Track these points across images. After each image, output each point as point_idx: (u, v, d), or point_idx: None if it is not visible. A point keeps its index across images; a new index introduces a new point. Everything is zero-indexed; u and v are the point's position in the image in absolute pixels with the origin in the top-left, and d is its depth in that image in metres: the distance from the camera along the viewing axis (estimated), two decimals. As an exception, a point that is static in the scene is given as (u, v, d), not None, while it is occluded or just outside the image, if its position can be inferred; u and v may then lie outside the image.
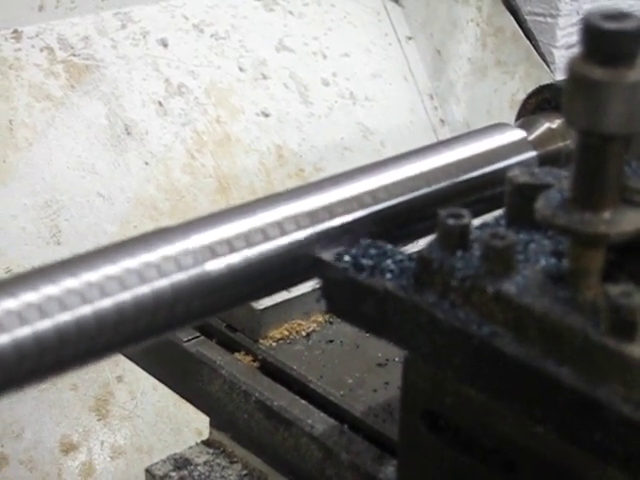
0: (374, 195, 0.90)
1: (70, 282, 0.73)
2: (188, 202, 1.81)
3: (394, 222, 0.92)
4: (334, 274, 0.79)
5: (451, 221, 0.74)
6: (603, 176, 0.69)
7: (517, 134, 1.03)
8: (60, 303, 0.72)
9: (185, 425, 1.71)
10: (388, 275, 0.77)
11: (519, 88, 1.92)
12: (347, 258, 0.79)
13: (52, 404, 1.65)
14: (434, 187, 0.94)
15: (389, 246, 0.81)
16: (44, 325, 0.71)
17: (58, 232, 1.69)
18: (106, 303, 0.73)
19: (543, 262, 0.73)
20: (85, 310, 0.72)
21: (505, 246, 0.72)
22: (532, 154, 1.02)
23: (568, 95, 0.68)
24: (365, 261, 0.78)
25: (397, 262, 0.78)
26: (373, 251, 0.80)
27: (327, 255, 0.80)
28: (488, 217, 0.82)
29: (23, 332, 0.70)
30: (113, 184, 1.76)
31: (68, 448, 1.65)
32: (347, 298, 0.79)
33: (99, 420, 1.68)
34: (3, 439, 1.60)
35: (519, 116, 1.15)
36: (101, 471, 1.68)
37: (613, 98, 0.66)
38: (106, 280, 0.74)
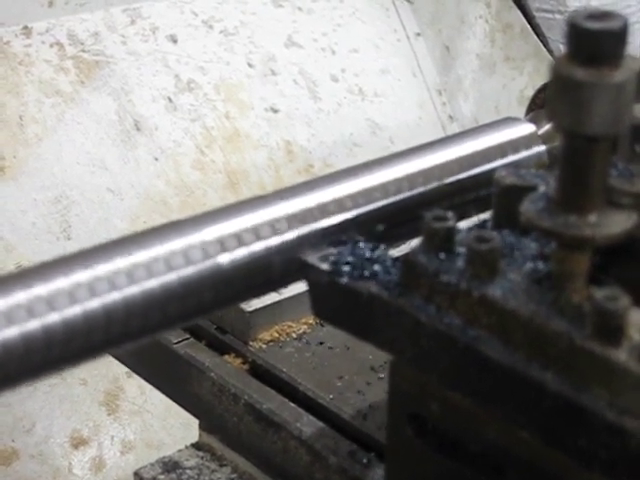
0: (373, 193, 0.89)
1: (80, 275, 0.73)
2: (198, 198, 1.81)
3: (395, 221, 0.91)
4: (319, 277, 0.78)
5: (436, 223, 0.73)
6: (588, 178, 0.68)
7: (527, 128, 1.02)
8: (70, 296, 0.72)
9: (195, 420, 1.71)
10: (373, 278, 0.76)
11: (527, 84, 1.91)
12: (332, 260, 0.79)
13: (62, 399, 1.66)
14: (440, 183, 0.93)
15: (375, 248, 0.80)
16: (52, 318, 0.71)
17: (68, 227, 1.70)
18: (115, 296, 0.74)
19: (529, 265, 0.72)
20: (94, 304, 0.73)
21: (490, 249, 0.71)
22: (541, 148, 1.01)
23: (553, 96, 0.67)
24: (350, 264, 0.78)
25: (382, 265, 0.77)
26: (359, 253, 0.79)
27: (312, 257, 0.79)
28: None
29: (32, 325, 0.70)
30: (123, 180, 1.76)
31: (78, 443, 1.66)
32: (332, 301, 0.78)
33: (109, 415, 1.69)
34: (14, 434, 1.61)
35: (529, 110, 1.14)
36: (111, 466, 1.68)
37: (597, 99, 0.65)
38: (114, 274, 0.74)
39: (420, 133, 1.99)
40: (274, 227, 0.82)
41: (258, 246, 0.81)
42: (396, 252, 0.81)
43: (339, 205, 0.86)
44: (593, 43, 0.64)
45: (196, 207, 1.78)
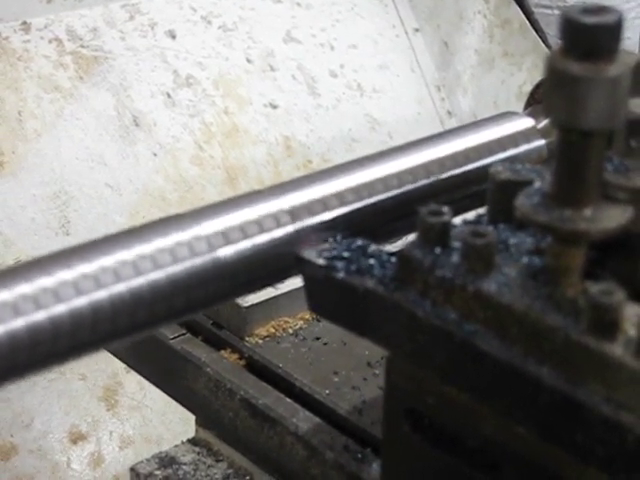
0: (370, 188, 0.89)
1: (84, 267, 0.73)
2: (196, 193, 1.81)
3: (393, 215, 0.91)
4: (315, 272, 0.78)
5: (431, 218, 0.73)
6: (583, 172, 0.68)
7: (525, 122, 1.02)
8: (75, 288, 0.72)
9: (193, 415, 1.71)
10: (369, 273, 0.76)
11: (526, 80, 1.91)
12: (327, 255, 0.78)
13: (61, 394, 1.66)
14: (438, 177, 0.93)
15: (371, 243, 0.80)
16: (59, 309, 0.71)
17: (67, 223, 1.70)
18: (120, 288, 0.74)
19: (524, 260, 0.72)
20: (100, 294, 0.73)
21: (485, 244, 0.71)
22: (540, 142, 1.01)
23: (548, 90, 0.67)
24: (346, 258, 0.78)
25: (378, 260, 0.77)
26: (354, 248, 0.79)
27: (308, 253, 0.79)
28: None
29: (39, 316, 0.70)
30: (122, 175, 1.76)
31: (77, 438, 1.66)
32: (328, 296, 0.78)
33: (108, 410, 1.69)
34: (12, 429, 1.61)
35: (527, 105, 1.14)
36: (110, 461, 1.68)
37: (592, 93, 0.64)
38: (120, 265, 0.74)
39: (419, 128, 1.99)
40: (270, 222, 0.82)
41: (255, 240, 0.81)
42: (392, 247, 0.81)
43: (336, 200, 0.86)
44: (588, 37, 0.64)
45: (195, 202, 1.77)
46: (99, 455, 1.67)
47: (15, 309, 0.70)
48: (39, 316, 0.70)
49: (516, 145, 1.00)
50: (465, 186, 0.95)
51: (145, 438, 1.71)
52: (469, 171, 0.95)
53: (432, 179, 0.91)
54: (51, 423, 1.64)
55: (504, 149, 0.99)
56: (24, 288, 0.71)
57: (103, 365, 1.67)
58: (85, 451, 1.66)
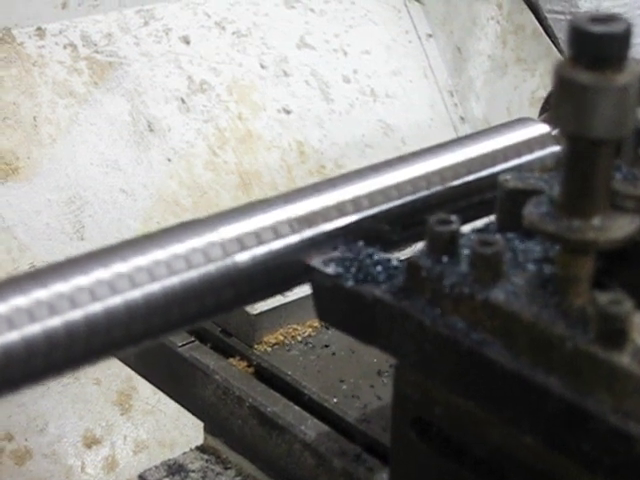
0: (381, 195, 0.89)
1: (100, 273, 0.74)
2: (210, 198, 1.82)
3: (405, 223, 0.91)
4: (323, 280, 0.78)
5: (439, 227, 0.73)
6: (592, 182, 0.68)
7: (541, 128, 1.02)
8: (91, 293, 0.73)
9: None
10: (377, 281, 0.76)
11: (539, 85, 1.91)
12: (336, 264, 0.79)
13: (75, 398, 1.66)
14: (452, 183, 0.93)
15: (379, 252, 0.80)
16: (75, 315, 0.72)
17: (82, 228, 1.71)
18: (135, 294, 0.74)
19: (532, 269, 0.72)
20: (115, 300, 0.73)
21: (494, 253, 0.71)
22: (556, 148, 1.01)
23: (556, 99, 0.67)
24: (354, 267, 0.78)
25: (387, 268, 0.77)
26: (363, 257, 0.79)
27: (316, 261, 0.79)
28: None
29: (54, 322, 0.71)
30: (136, 180, 1.77)
31: (91, 442, 1.66)
32: (336, 305, 0.78)
33: (122, 414, 1.69)
34: (27, 433, 1.62)
35: (542, 111, 1.14)
36: (124, 465, 1.69)
37: (601, 102, 0.64)
38: (136, 271, 0.75)
39: (432, 134, 1.99)
40: (279, 229, 0.82)
41: (267, 247, 0.81)
42: (401, 255, 0.81)
43: (346, 207, 0.86)
44: (596, 46, 0.64)
45: (209, 208, 1.78)
46: (113, 459, 1.67)
47: (31, 315, 0.70)
48: (55, 322, 0.71)
49: (531, 151, 1.00)
50: (480, 193, 0.95)
51: (159, 442, 1.71)
52: (484, 177, 0.95)
53: (446, 187, 0.91)
54: (65, 427, 1.64)
55: (519, 155, 0.99)
56: (40, 294, 0.71)
57: (117, 370, 1.68)
58: (99, 455, 1.67)
